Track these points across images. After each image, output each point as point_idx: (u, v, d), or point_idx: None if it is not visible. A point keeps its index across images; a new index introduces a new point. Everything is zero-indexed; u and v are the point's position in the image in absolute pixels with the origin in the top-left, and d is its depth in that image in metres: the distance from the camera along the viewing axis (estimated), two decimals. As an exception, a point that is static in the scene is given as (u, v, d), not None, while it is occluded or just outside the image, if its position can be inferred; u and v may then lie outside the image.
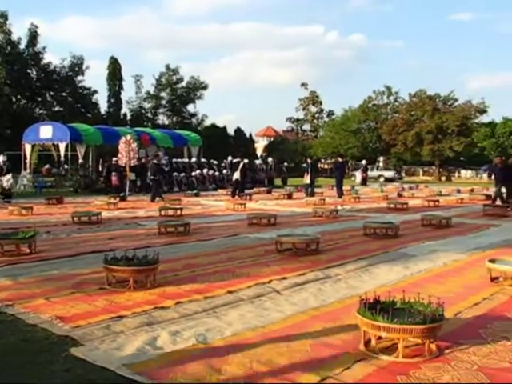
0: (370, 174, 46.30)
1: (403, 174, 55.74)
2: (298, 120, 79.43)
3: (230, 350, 4.15)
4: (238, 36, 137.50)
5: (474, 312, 5.22)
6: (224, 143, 49.56)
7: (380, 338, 4.05)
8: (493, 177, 19.85)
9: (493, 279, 6.45)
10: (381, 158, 58.30)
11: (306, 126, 79.39)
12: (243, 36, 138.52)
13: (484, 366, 3.84)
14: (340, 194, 22.14)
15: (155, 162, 21.48)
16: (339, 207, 16.85)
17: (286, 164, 38.61)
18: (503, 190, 18.66)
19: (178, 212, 14.30)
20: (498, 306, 5.48)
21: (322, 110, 78.17)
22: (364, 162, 41.79)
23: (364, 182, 37.27)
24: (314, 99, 77.91)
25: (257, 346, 4.22)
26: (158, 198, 19.90)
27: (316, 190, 24.47)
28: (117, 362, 3.87)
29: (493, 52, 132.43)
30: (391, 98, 64.16)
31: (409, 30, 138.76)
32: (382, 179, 46.69)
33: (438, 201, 19.31)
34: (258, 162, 36.64)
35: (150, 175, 21.50)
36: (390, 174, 50.33)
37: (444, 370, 3.76)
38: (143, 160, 25.77)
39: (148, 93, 59.00)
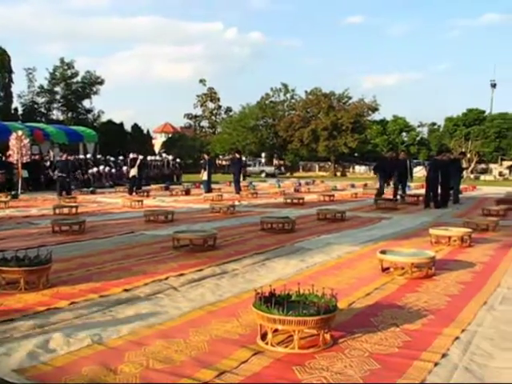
0: (253, 169, 48.63)
1: (283, 170, 57.57)
2: (196, 116, 79.32)
3: (126, 348, 4.06)
4: (137, 30, 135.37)
5: (366, 302, 5.39)
6: (121, 139, 48.54)
7: (276, 330, 4.10)
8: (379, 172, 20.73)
9: (384, 270, 6.70)
10: (262, 155, 59.70)
11: (204, 123, 79.49)
12: (142, 30, 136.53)
13: (375, 352, 3.98)
14: (237, 189, 22.28)
15: (63, 158, 21.01)
16: (237, 203, 16.96)
17: (178, 160, 38.08)
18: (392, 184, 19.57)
19: (74, 210, 13.86)
20: (389, 295, 5.69)
21: (219, 107, 78.46)
22: (243, 158, 42.70)
23: (244, 177, 37.68)
24: (212, 96, 78.00)
25: (154, 344, 4.15)
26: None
27: (214, 186, 24.52)
28: (5, 368, 3.68)
29: (384, 54, 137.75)
30: (288, 96, 65.47)
31: (307, 31, 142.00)
32: (263, 174, 49.22)
33: (333, 195, 19.86)
34: (153, 158, 36.19)
35: (57, 172, 20.94)
36: (270, 169, 53.24)
37: (338, 358, 3.86)
38: (37, 157, 24.84)
39: (41, 87, 56.84)
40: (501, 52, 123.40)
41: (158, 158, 37.58)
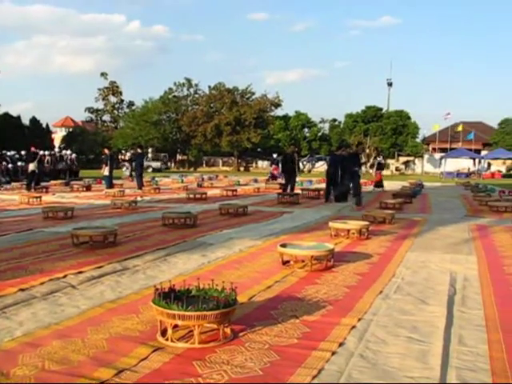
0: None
1: (170, 164, 57.94)
2: (97, 110, 77.26)
3: (20, 351, 3.89)
4: (34, 19, 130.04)
5: (266, 295, 5.44)
6: (18, 133, 46.51)
7: (176, 326, 4.06)
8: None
9: (284, 263, 6.80)
10: (150, 150, 59.56)
11: (106, 117, 77.57)
12: (40, 19, 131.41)
13: (275, 344, 4.02)
14: (140, 185, 21.95)
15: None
16: (139, 198, 16.71)
17: (75, 155, 36.78)
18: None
19: (-36, 208, 13.19)
20: (289, 287, 5.78)
21: (122, 101, 76.89)
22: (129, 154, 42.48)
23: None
24: (114, 89, 76.29)
25: (50, 345, 4.01)
26: None
27: (115, 181, 24.04)
28: None
29: (287, 50, 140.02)
30: (191, 90, 65.05)
31: (211, 26, 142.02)
32: (150, 170, 49.16)
33: (236, 190, 19.96)
34: (46, 152, 34.90)
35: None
36: (157, 164, 53.96)
37: (238, 351, 3.87)
38: None
39: None
40: (397, 52, 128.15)
41: (52, 152, 36.10)
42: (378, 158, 30.56)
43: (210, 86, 62.21)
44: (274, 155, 41.27)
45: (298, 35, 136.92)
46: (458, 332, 4.37)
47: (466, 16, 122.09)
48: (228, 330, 4.17)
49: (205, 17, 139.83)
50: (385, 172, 57.30)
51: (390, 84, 77.72)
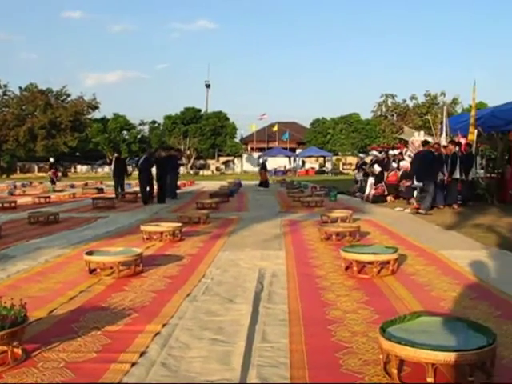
0: None
1: None
2: None
3: None
4: None
5: (69, 307, 5.11)
6: None
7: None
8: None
9: (91, 271, 6.47)
10: None
11: None
12: None
13: (72, 361, 3.75)
14: None
15: None
16: None
17: None
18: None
19: None
20: (94, 296, 5.49)
21: None
22: None
23: None
24: None
25: None
26: None
27: None
28: None
29: (106, 51, 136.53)
30: (0, 92, 60.97)
31: (21, 23, 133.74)
32: None
33: (49, 197, 18.95)
34: None
35: None
36: None
37: (29, 373, 3.54)
38: None
39: None
40: (214, 55, 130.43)
41: None
42: (262, 159, 31.09)
43: (21, 88, 58.84)
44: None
45: (116, 36, 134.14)
46: (262, 328, 4.40)
47: (277, 20, 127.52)
48: (19, 351, 3.82)
49: (15, 14, 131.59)
50: (206, 172, 58.35)
51: (208, 86, 79.18)
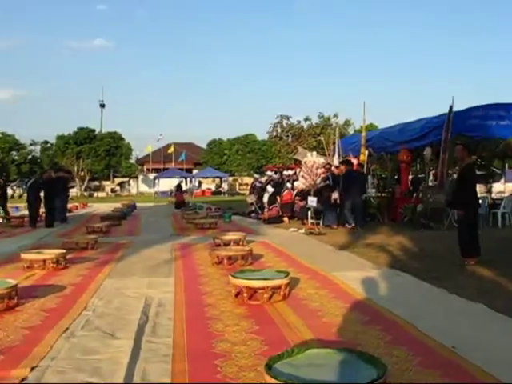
0: None
1: None
2: None
3: None
4: None
5: None
6: None
7: None
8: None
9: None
10: None
11: None
12: None
13: None
14: None
15: None
16: None
17: None
18: None
19: None
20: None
21: None
22: None
23: None
24: None
25: None
26: None
27: None
28: None
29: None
30: None
31: None
32: None
33: None
34: None
35: None
36: None
37: None
38: None
39: None
40: (109, 74, 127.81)
41: None
42: (178, 180, 30.55)
43: None
44: None
45: (5, 53, 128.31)
46: (143, 366, 4.05)
47: (172, 40, 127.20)
48: None
49: None
50: (100, 194, 56.84)
51: (102, 105, 77.47)
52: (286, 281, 6.19)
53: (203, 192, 55.94)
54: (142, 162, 69.30)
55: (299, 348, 3.67)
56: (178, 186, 30.90)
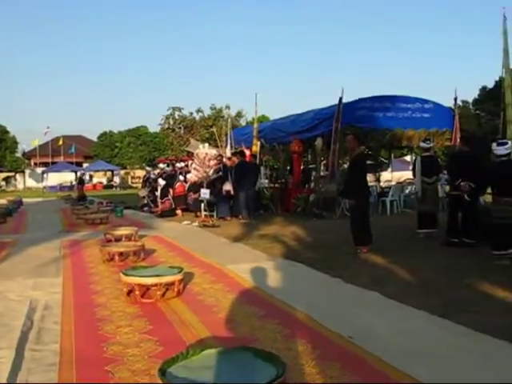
0: None
1: None
2: None
3: None
4: None
5: None
6: None
7: None
8: None
9: None
10: None
11: None
12: None
13: None
14: None
15: None
16: None
17: None
18: None
19: None
20: None
21: None
22: None
23: None
24: None
25: None
26: None
27: None
28: None
29: None
30: None
31: None
32: None
33: None
34: None
35: None
36: None
37: None
38: None
39: None
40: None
41: None
42: (79, 173, 29.03)
43: None
44: None
45: None
46: (25, 378, 3.74)
47: (57, 28, 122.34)
48: None
49: None
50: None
51: (-17, 97, 73.60)
52: (179, 276, 6.02)
53: (94, 186, 54.35)
54: (29, 155, 66.29)
55: (194, 349, 3.50)
56: (80, 179, 29.80)
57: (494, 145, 7.87)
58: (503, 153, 7.74)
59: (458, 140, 11.08)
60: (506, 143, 7.86)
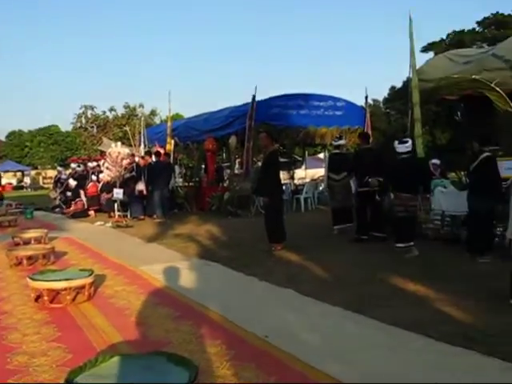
0: None
1: None
2: None
3: None
4: None
5: None
6: None
7: None
8: None
9: None
10: None
11: None
12: None
13: None
14: None
15: None
16: None
17: None
18: None
19: None
20: None
21: None
22: None
23: None
24: None
25: None
26: None
27: None
28: None
29: None
30: None
31: None
32: None
33: None
34: None
35: None
36: None
37: None
38: None
39: None
40: None
41: None
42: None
43: None
44: None
45: None
46: None
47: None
48: None
49: None
50: None
51: None
52: (90, 279, 5.85)
53: (3, 187, 52.11)
54: None
55: (103, 356, 3.39)
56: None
57: (395, 143, 8.18)
58: (404, 150, 8.08)
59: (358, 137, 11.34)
60: (407, 141, 8.17)
